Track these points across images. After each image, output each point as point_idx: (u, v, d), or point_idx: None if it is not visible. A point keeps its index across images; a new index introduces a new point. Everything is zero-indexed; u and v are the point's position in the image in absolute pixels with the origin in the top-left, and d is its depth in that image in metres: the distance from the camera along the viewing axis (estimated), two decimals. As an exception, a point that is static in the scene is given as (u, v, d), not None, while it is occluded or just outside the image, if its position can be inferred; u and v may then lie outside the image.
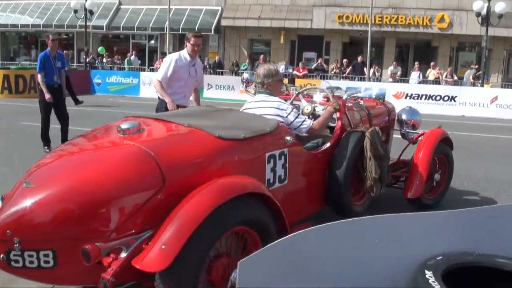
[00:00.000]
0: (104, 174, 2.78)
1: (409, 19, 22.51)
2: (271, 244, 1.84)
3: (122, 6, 29.19)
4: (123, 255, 2.61)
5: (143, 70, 23.91)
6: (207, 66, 23.27)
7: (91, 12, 23.59)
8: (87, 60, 24.25)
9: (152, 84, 21.29)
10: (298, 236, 1.90)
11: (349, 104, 4.72)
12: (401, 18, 22.63)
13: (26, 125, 11.17)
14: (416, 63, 20.27)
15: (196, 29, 26.68)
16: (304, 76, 20.81)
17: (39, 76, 8.19)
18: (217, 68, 22.67)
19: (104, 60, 24.93)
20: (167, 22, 24.69)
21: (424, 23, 22.56)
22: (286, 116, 4.06)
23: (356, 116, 4.90)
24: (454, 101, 17.70)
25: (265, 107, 4.11)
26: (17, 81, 18.29)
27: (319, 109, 4.74)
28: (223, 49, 27.63)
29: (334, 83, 19.31)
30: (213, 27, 26.68)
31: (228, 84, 20.70)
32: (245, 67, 22.77)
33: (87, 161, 3.00)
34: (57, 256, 2.60)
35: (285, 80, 19.42)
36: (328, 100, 4.75)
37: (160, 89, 5.78)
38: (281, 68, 22.34)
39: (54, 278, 2.73)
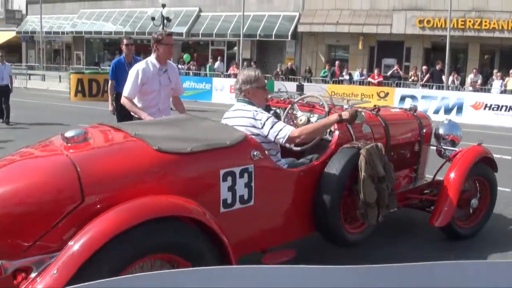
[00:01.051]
0: (22, 187, 2.62)
1: (494, 23, 20.69)
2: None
3: (202, 13, 29.62)
4: (33, 274, 2.41)
5: (218, 76, 23.99)
6: (280, 73, 22.88)
7: (168, 19, 24.02)
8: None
9: (223, 90, 21.79)
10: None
11: None
12: (485, 22, 20.86)
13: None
14: (495, 71, 18.53)
15: (273, 35, 26.54)
16: (379, 84, 19.80)
17: (109, 83, 7.48)
18: (289, 74, 22.18)
19: (180, 66, 25.31)
20: (243, 29, 24.60)
21: (510, 28, 20.64)
22: (262, 127, 3.55)
23: (365, 129, 4.23)
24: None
25: (240, 117, 3.63)
26: (90, 85, 19.05)
27: (314, 120, 4.16)
28: (300, 55, 27.13)
29: (409, 91, 18.21)
30: (289, 33, 26.28)
31: (299, 90, 20.16)
32: (326, 73, 22.09)
33: (13, 171, 2.87)
34: None
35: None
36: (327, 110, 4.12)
37: (130, 107, 4.96)
38: (356, 74, 21.49)
39: None
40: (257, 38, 27.34)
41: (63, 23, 34.07)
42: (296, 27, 26.21)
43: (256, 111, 3.61)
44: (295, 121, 4.23)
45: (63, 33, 34.02)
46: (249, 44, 28.17)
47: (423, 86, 19.08)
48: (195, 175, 3.03)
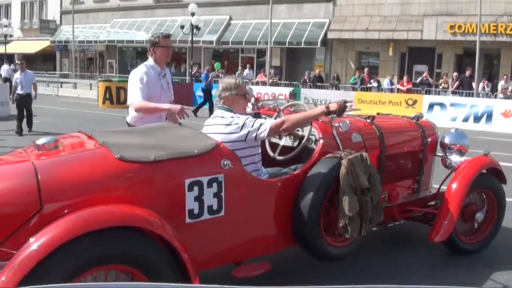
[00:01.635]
0: None
1: (526, 27, 19.91)
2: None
3: (232, 21, 29.69)
4: None
5: (246, 83, 23.92)
6: (307, 80, 22.68)
7: (198, 28, 24.16)
8: (192, 73, 24.92)
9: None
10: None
11: (336, 124, 3.87)
12: (518, 26, 20.10)
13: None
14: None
15: (302, 42, 26.36)
16: (408, 91, 19.35)
17: None
18: (318, 82, 21.93)
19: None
20: (271, 36, 24.53)
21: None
22: (240, 131, 3.43)
23: (355, 138, 4.04)
24: None
25: (218, 125, 3.53)
26: (118, 92, 19.31)
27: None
28: (330, 62, 26.84)
29: (437, 98, 17.71)
30: (319, 40, 26.01)
31: (325, 98, 19.92)
32: (355, 80, 21.74)
33: None
34: None
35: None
36: None
37: (148, 106, 4.47)
38: (386, 81, 21.07)
39: None
40: (287, 46, 27.20)
41: (97, 32, 34.80)
42: (326, 34, 25.93)
43: (233, 117, 3.50)
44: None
45: (96, 42, 34.74)
46: (279, 51, 28.10)
47: (453, 93, 18.52)
48: (157, 185, 2.97)
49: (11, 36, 36.45)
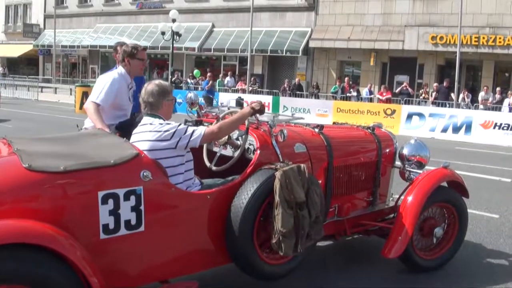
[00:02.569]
0: None
1: (508, 40, 19.79)
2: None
3: (215, 29, 29.50)
4: None
5: (226, 91, 23.71)
6: (287, 88, 22.50)
7: (178, 34, 23.92)
8: (172, 79, 24.67)
9: (228, 104, 21.30)
10: None
11: (275, 134, 3.62)
12: (500, 38, 19.97)
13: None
14: (510, 91, 17.72)
15: (284, 50, 26.22)
16: (387, 100, 19.23)
17: None
18: (297, 90, 21.75)
19: (189, 80, 25.23)
20: (251, 44, 24.37)
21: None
22: (170, 139, 3.19)
23: (298, 148, 3.79)
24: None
25: (147, 132, 3.27)
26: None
27: (235, 137, 3.78)
28: (311, 71, 26.72)
29: (416, 108, 17.59)
30: (301, 48, 25.90)
31: (304, 107, 19.76)
32: (336, 89, 21.58)
33: None
34: None
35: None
36: None
37: (95, 114, 4.17)
38: (365, 91, 20.94)
39: None
40: (269, 54, 27.05)
41: (80, 37, 34.46)
42: (307, 42, 25.84)
43: (162, 124, 3.26)
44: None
45: (78, 47, 34.38)
46: (261, 59, 27.93)
47: (433, 103, 18.41)
48: (67, 197, 2.71)
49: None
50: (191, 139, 3.21)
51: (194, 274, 3.33)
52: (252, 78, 24.18)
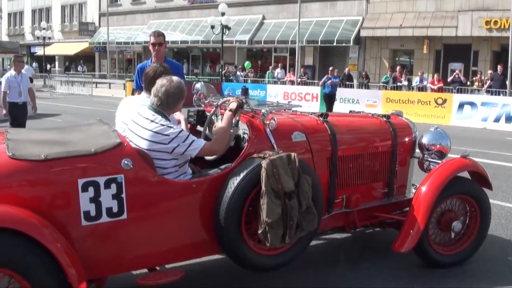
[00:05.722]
0: None
1: None
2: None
3: (265, 21, 29.44)
4: None
5: (275, 83, 23.62)
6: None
7: (228, 28, 24.03)
8: (223, 72, 24.86)
9: (277, 97, 21.34)
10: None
11: (268, 121, 3.52)
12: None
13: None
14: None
15: (335, 40, 25.80)
16: (439, 89, 18.52)
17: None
18: (347, 80, 21.33)
19: (238, 73, 25.32)
20: (303, 35, 24.13)
21: None
22: (168, 143, 3.15)
23: (297, 137, 3.67)
24: None
25: (146, 129, 3.19)
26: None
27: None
28: (363, 61, 26.16)
29: (468, 97, 16.81)
30: (352, 38, 25.40)
31: (353, 97, 19.36)
32: (387, 79, 20.98)
33: None
34: None
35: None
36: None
37: None
38: (416, 80, 20.24)
39: None
40: (319, 44, 26.72)
41: (134, 34, 35.33)
42: (359, 31, 25.31)
43: (164, 124, 3.18)
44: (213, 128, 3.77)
45: (133, 43, 35.27)
46: (312, 50, 27.63)
47: (487, 92, 17.54)
48: (48, 185, 2.78)
49: (49, 38, 37.56)
50: (188, 148, 3.16)
51: (183, 263, 3.32)
52: (301, 69, 23.93)
